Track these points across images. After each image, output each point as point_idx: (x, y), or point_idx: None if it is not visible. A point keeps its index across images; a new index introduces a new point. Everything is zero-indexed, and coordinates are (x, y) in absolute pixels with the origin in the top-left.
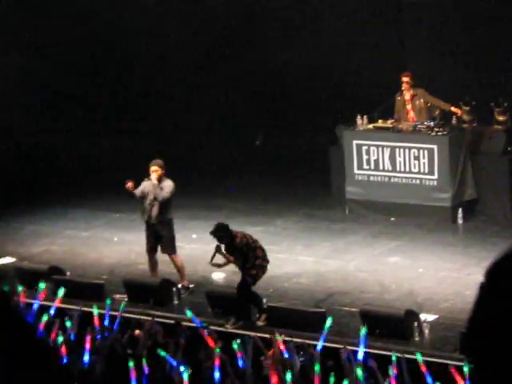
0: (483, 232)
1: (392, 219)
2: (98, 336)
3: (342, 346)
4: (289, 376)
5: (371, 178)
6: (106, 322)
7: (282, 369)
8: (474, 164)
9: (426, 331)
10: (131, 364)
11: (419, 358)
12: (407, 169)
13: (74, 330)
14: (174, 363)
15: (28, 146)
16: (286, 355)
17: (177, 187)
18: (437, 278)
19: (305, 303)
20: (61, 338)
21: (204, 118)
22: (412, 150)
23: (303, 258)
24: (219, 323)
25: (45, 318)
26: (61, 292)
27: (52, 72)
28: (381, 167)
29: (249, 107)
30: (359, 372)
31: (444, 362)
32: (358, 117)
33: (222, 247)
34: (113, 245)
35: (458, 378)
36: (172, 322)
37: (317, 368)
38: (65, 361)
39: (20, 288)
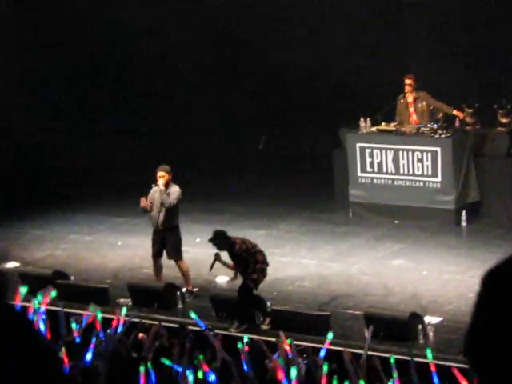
0: (487, 234)
1: (395, 222)
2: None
3: (344, 349)
4: (293, 372)
5: (374, 181)
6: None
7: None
8: (477, 166)
9: (431, 334)
10: (142, 369)
11: (429, 356)
12: (410, 171)
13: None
14: (180, 369)
15: (28, 146)
16: (291, 355)
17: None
18: (441, 280)
19: (308, 306)
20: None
21: (204, 118)
22: (415, 153)
23: (306, 261)
24: (223, 327)
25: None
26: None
27: (52, 72)
28: (384, 170)
29: (249, 107)
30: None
31: (448, 365)
32: (361, 119)
33: (222, 255)
34: (117, 249)
35: (463, 380)
36: (176, 325)
37: (325, 369)
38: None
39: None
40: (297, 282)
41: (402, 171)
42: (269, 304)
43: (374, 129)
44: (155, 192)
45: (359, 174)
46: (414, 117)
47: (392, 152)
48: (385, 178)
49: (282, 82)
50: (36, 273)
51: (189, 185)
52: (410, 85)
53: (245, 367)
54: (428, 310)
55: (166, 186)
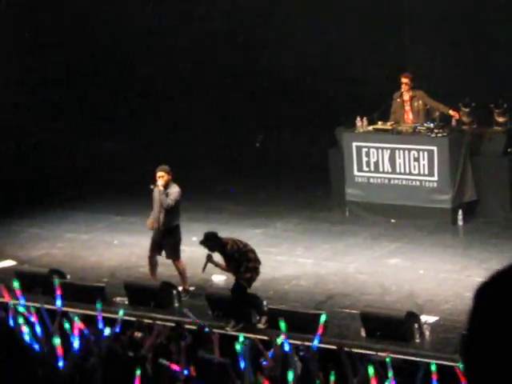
0: (483, 233)
1: (392, 221)
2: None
3: (341, 347)
4: (291, 376)
5: (371, 180)
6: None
7: (281, 368)
8: (473, 165)
9: (427, 333)
10: (138, 372)
11: (433, 368)
12: (407, 170)
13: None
14: (177, 369)
15: (28, 146)
16: (287, 350)
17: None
18: (437, 279)
19: (305, 305)
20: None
21: (204, 118)
22: (412, 152)
23: (303, 260)
24: (220, 326)
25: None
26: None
27: (52, 72)
28: (381, 169)
29: (249, 107)
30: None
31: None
32: (358, 119)
33: (213, 256)
34: (113, 248)
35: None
36: (173, 324)
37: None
38: (60, 363)
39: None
40: (293, 280)
41: (398, 170)
42: (265, 303)
43: (370, 128)
44: (156, 192)
45: (356, 173)
46: (409, 115)
47: (388, 151)
48: (381, 177)
49: (282, 81)
50: (32, 271)
51: (188, 184)
52: (406, 83)
53: (241, 366)
54: (424, 309)
55: (166, 186)
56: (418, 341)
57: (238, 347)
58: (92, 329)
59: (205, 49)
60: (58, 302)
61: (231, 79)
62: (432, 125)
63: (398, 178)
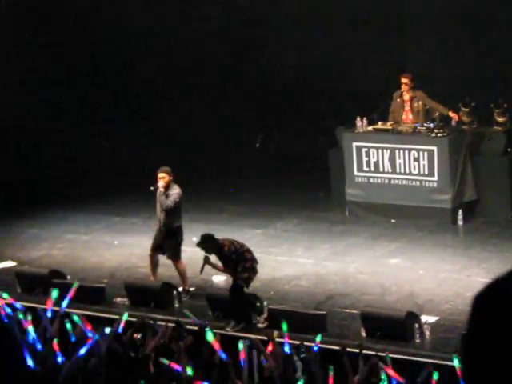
0: (483, 233)
1: (392, 221)
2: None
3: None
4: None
5: (371, 180)
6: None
7: (281, 367)
8: (473, 165)
9: (427, 333)
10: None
11: (435, 376)
12: (407, 170)
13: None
14: (179, 368)
15: (28, 146)
16: (286, 350)
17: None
18: (437, 279)
19: (305, 305)
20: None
21: (204, 118)
22: (412, 152)
23: (303, 261)
24: (220, 326)
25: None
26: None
27: (52, 72)
28: (381, 169)
29: (249, 107)
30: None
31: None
32: (358, 119)
33: (211, 258)
34: (113, 248)
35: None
36: (173, 324)
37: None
38: (60, 360)
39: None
40: (293, 281)
41: (398, 170)
42: (265, 303)
43: (370, 128)
44: (159, 192)
45: (356, 173)
46: (409, 116)
47: (388, 151)
48: (381, 177)
49: (282, 81)
50: (32, 272)
51: (188, 184)
52: (406, 84)
53: (242, 366)
54: (424, 309)
55: (167, 187)
56: (418, 341)
57: (241, 346)
58: (94, 330)
59: (205, 49)
60: (65, 303)
61: (231, 79)
62: (432, 125)
63: (398, 178)
